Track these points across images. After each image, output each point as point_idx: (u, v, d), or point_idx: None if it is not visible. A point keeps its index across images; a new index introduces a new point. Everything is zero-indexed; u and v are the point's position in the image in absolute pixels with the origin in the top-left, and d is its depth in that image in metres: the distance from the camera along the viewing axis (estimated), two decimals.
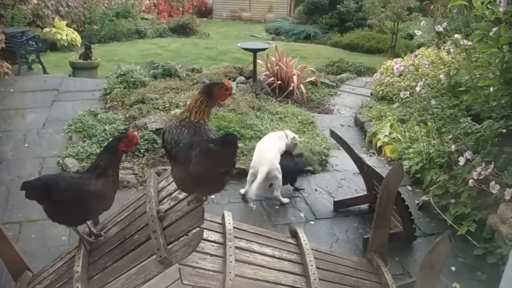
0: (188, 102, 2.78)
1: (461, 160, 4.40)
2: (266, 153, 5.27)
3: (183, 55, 14.74)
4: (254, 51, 10.05)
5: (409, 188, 5.71)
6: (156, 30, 19.63)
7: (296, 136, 5.85)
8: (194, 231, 2.52)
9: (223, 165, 2.46)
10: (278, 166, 5.21)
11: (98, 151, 6.11)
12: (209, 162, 2.41)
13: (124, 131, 6.65)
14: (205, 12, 30.08)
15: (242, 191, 5.43)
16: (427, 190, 5.40)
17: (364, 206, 5.30)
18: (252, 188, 4.98)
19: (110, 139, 2.99)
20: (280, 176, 5.20)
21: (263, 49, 10.27)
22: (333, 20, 20.67)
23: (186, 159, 2.44)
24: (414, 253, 4.53)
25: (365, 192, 5.31)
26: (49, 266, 3.22)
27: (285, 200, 5.37)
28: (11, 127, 7.36)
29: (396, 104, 7.59)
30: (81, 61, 11.51)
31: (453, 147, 4.89)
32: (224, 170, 2.50)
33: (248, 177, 5.28)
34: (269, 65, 10.17)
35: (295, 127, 7.52)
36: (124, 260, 2.72)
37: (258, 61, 10.16)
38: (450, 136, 5.67)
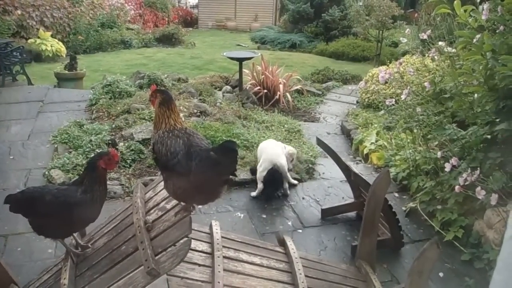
0: (155, 115, 2.82)
1: (447, 167, 4.42)
2: (272, 149, 5.67)
3: (169, 65, 14.73)
4: (240, 60, 10.07)
5: (396, 195, 5.72)
6: (141, 40, 19.64)
7: (294, 149, 6.04)
8: (182, 241, 2.51)
9: (224, 173, 2.46)
10: (284, 157, 5.62)
11: (84, 162, 6.08)
12: (210, 170, 2.42)
13: (110, 142, 6.62)
14: (190, 22, 30.19)
15: (254, 194, 5.60)
16: (414, 196, 5.42)
17: (352, 214, 5.30)
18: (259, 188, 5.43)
19: (92, 155, 2.99)
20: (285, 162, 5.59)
21: (249, 58, 10.29)
22: (318, 29, 20.79)
23: (185, 169, 2.44)
24: (402, 259, 4.53)
25: (352, 200, 5.32)
26: (35, 279, 3.20)
27: (295, 181, 5.92)
28: None
29: (382, 112, 7.62)
30: (66, 72, 11.44)
31: (439, 154, 4.92)
32: (225, 178, 2.51)
33: (259, 175, 5.50)
34: (255, 74, 10.19)
35: (282, 135, 7.54)
36: (111, 272, 2.70)
37: (244, 70, 10.18)
38: (436, 143, 5.70)
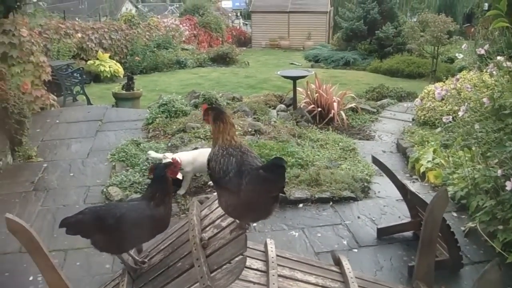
0: (212, 132, 2.87)
1: (508, 185, 4.29)
2: None
3: (223, 84, 14.92)
4: (294, 79, 10.10)
5: (455, 214, 5.58)
6: (196, 60, 19.97)
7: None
8: (237, 259, 2.52)
9: (273, 189, 2.47)
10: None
11: (141, 179, 6.20)
12: (260, 188, 2.44)
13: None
14: (244, 41, 30.55)
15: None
16: (473, 216, 5.26)
17: (409, 233, 5.20)
18: None
19: (156, 169, 3.02)
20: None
21: (303, 77, 10.32)
22: (372, 46, 20.70)
23: (237, 187, 2.48)
24: (461, 281, 4.41)
25: (409, 219, 5.21)
26: None
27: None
28: (57, 156, 7.54)
29: (439, 129, 7.47)
30: (124, 91, 11.75)
31: (499, 172, 4.78)
32: (275, 195, 2.52)
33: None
34: (309, 92, 10.19)
35: (337, 153, 7.49)
36: None
37: (298, 88, 10.21)
38: (496, 161, 5.53)
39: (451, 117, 5.44)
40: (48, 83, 10.20)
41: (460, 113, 5.10)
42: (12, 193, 6.24)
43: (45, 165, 7.14)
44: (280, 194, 2.55)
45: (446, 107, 8.29)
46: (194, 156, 6.06)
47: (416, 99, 9.25)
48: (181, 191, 6.02)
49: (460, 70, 11.72)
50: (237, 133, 6.44)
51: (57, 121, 9.28)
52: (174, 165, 3.00)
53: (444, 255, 4.49)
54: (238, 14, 41.60)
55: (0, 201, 6.03)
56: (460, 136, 5.90)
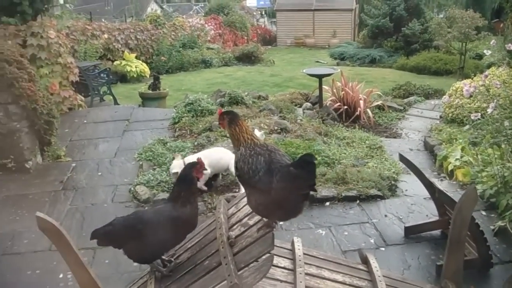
0: (229, 135, 2.88)
1: None
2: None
3: (249, 83, 14.92)
4: (320, 77, 10.07)
5: (484, 213, 5.51)
6: (221, 59, 20.01)
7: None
8: (264, 257, 2.52)
9: (305, 187, 2.47)
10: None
11: (168, 178, 6.25)
12: (291, 185, 2.43)
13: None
14: (269, 40, 30.55)
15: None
16: (503, 215, 5.19)
17: (436, 232, 5.15)
18: None
19: (183, 170, 3.03)
20: None
21: (329, 75, 10.28)
22: (398, 43, 20.53)
23: (267, 185, 2.48)
24: (490, 281, 4.35)
25: (437, 218, 5.16)
26: None
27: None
28: (85, 156, 7.64)
29: (467, 127, 7.38)
30: (150, 91, 11.83)
31: None
32: (305, 192, 2.51)
33: None
34: (335, 90, 10.15)
35: (363, 152, 7.45)
36: (195, 286, 2.74)
37: (323, 86, 10.17)
38: None
39: (479, 114, 5.38)
40: (75, 84, 10.31)
41: (489, 110, 5.03)
42: (42, 192, 6.35)
43: (73, 164, 7.24)
44: (311, 191, 2.54)
45: (475, 104, 8.19)
46: (205, 155, 6.13)
47: (444, 96, 9.17)
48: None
49: (489, 66, 11.54)
50: (263, 131, 6.51)
51: (85, 121, 9.39)
52: (200, 166, 3.02)
53: (473, 254, 4.44)
54: (263, 12, 41.63)
55: (30, 200, 6.14)
56: (489, 134, 5.83)
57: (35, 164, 7.13)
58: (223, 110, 3.04)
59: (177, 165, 5.85)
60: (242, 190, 6.03)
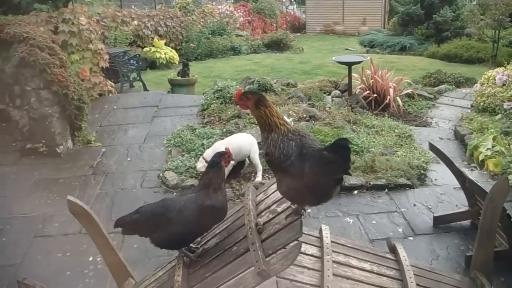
0: (256, 118, 2.78)
1: None
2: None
3: (278, 70, 14.87)
4: (349, 65, 10.00)
5: None
6: (250, 47, 19.96)
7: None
8: (292, 244, 2.51)
9: (339, 171, 2.43)
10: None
11: (196, 165, 6.28)
12: (324, 170, 2.40)
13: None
14: (298, 27, 30.34)
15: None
16: None
17: (466, 222, 5.10)
18: None
19: (212, 157, 3.04)
20: None
21: (358, 62, 10.21)
22: (429, 31, 20.20)
23: (299, 171, 2.45)
24: None
25: (467, 208, 5.11)
26: (150, 274, 3.33)
27: None
28: (115, 141, 7.75)
29: (499, 116, 7.28)
30: (179, 78, 11.86)
31: None
32: (338, 177, 2.48)
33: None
34: (364, 78, 10.08)
35: (392, 140, 7.40)
36: (222, 271, 2.75)
37: (353, 74, 10.10)
38: None
39: None
40: (105, 70, 10.42)
41: None
42: (72, 177, 6.46)
43: (103, 149, 7.34)
44: (345, 175, 2.50)
45: (507, 93, 8.05)
46: (230, 141, 6.17)
47: (476, 84, 9.02)
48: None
49: None
50: (292, 119, 6.49)
51: (115, 107, 9.50)
52: (228, 155, 3.03)
53: (503, 245, 4.39)
54: None
55: (61, 184, 6.25)
56: None
57: (66, 149, 7.25)
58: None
59: (202, 167, 5.87)
60: (258, 178, 6.07)
